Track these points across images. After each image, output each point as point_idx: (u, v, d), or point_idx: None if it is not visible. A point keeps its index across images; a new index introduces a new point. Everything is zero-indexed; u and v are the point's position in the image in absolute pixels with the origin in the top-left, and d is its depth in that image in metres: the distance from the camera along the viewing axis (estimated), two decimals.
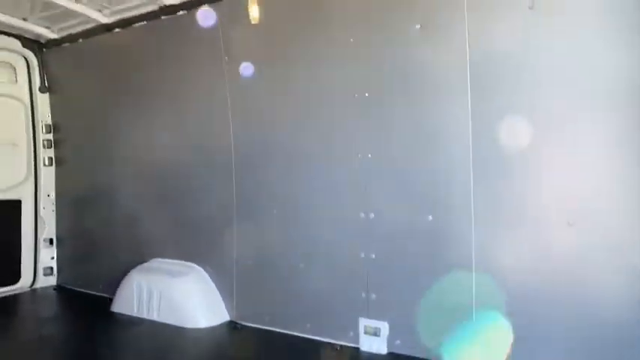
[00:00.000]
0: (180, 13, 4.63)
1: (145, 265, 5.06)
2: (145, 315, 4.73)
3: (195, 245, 4.94)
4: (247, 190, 4.47)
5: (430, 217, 3.45)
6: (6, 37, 5.64)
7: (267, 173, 4.34)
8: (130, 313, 4.84)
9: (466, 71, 3.22)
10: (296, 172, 4.15)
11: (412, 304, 3.42)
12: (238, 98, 4.45)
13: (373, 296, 3.71)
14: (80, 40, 5.55)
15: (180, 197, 5.02)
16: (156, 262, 5.08)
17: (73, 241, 6.20)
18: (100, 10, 5.06)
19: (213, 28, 4.39)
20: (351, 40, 3.73)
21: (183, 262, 4.92)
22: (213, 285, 4.68)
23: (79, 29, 5.46)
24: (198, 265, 4.82)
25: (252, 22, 3.77)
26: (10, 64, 5.88)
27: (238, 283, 4.53)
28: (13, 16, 5.28)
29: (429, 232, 3.47)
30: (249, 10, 3.82)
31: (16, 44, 5.77)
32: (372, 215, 3.72)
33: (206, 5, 4.38)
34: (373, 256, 3.72)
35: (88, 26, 5.33)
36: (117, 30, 5.19)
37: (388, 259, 3.66)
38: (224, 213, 4.60)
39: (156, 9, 4.72)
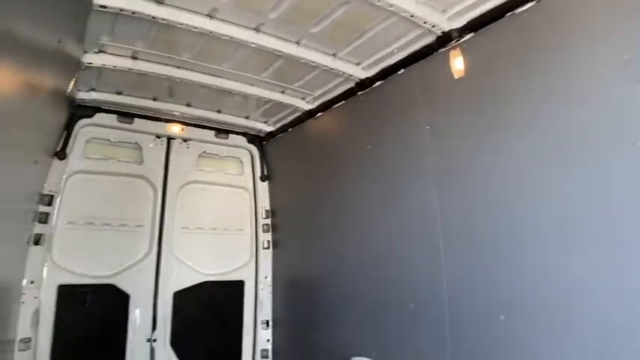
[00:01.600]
0: (377, 84, 4.37)
1: None
2: None
3: (401, 349, 4.15)
4: (463, 290, 3.53)
5: None
6: (235, 136, 6.46)
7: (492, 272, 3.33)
8: None
9: None
10: (539, 272, 2.97)
11: None
12: (444, 174, 3.71)
13: None
14: (290, 130, 5.90)
15: (389, 292, 4.38)
16: None
17: (287, 324, 6.21)
18: (303, 99, 5.26)
19: (411, 93, 3.94)
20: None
21: None
22: None
23: (288, 119, 5.82)
24: None
25: (456, 77, 3.17)
26: (239, 159, 6.65)
27: None
28: (239, 116, 6.01)
29: None
30: (452, 63, 3.27)
31: (243, 140, 6.53)
32: None
33: (402, 70, 4.01)
34: None
35: (295, 115, 5.61)
36: (319, 114, 5.29)
37: None
38: (430, 313, 3.74)
39: (352, 85, 4.59)
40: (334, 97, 4.90)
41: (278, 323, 6.31)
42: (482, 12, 3.19)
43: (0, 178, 3.18)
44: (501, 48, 3.14)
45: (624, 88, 2.46)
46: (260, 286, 6.47)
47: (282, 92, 5.14)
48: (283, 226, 6.46)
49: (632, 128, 2.45)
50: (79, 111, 5.41)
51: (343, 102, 4.86)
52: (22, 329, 4.76)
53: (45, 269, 5.06)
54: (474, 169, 3.41)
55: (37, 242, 4.98)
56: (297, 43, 4.00)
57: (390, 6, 3.24)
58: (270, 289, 6.46)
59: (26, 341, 4.77)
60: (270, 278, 6.50)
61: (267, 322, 6.37)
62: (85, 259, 5.32)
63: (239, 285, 6.39)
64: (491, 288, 3.23)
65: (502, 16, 3.06)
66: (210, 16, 3.62)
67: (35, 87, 3.43)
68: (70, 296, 5.19)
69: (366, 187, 4.70)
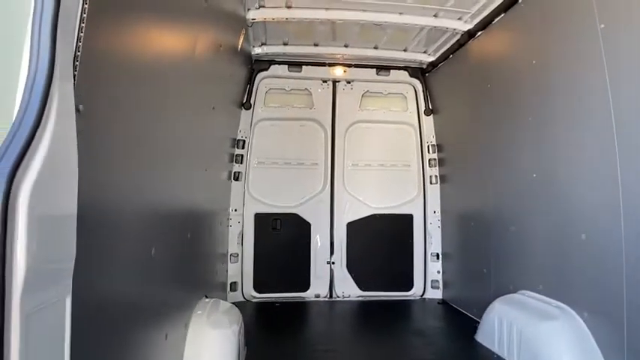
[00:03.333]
0: None
1: (510, 297, 4.31)
2: (504, 354, 3.99)
3: (570, 282, 3.75)
4: None
5: None
6: (396, 71, 6.43)
7: None
8: (490, 347, 4.22)
9: None
10: None
11: None
12: (622, 80, 3.05)
13: None
14: (451, 56, 5.56)
15: (557, 221, 3.96)
16: (522, 296, 4.22)
17: (456, 258, 6.19)
18: (460, 19, 4.87)
19: None
20: None
21: (553, 300, 3.84)
22: (590, 336, 3.36)
23: (448, 45, 5.48)
24: (572, 307, 3.61)
25: None
26: (402, 94, 6.62)
27: (631, 340, 3.03)
28: (397, 50, 5.94)
29: None
30: None
31: (405, 75, 6.46)
32: None
33: None
34: None
35: (455, 39, 5.25)
36: (479, 34, 4.83)
37: None
38: (604, 242, 3.25)
39: None
40: (493, 11, 4.38)
41: (448, 256, 6.33)
42: None
43: (204, 124, 4.03)
44: None
45: None
46: (429, 220, 6.54)
47: (435, 16, 4.85)
48: (450, 160, 6.28)
49: None
50: (257, 65, 6.22)
51: (503, 15, 4.31)
52: (231, 246, 6.04)
53: (244, 200, 6.21)
54: None
55: (236, 179, 6.14)
56: None
57: None
58: (439, 224, 6.48)
59: (235, 255, 6.06)
60: (438, 212, 6.50)
61: (437, 254, 6.46)
62: (273, 193, 6.31)
63: (408, 218, 6.59)
64: None
65: None
66: None
67: (218, 48, 4.13)
68: (264, 222, 6.28)
69: (533, 108, 4.17)
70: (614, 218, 3.14)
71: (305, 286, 6.29)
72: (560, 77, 3.70)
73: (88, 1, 1.42)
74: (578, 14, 3.34)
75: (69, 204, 1.33)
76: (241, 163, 6.20)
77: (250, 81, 6.20)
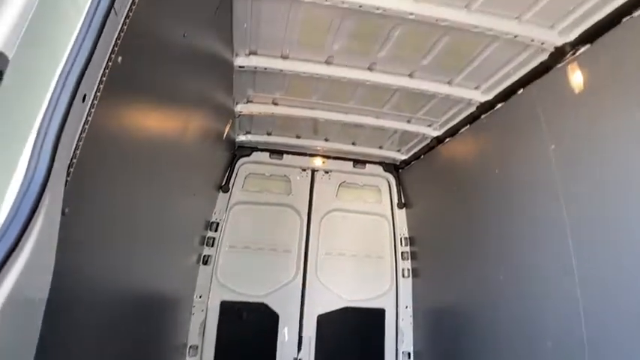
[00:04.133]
0: (498, 106, 4.19)
1: None
2: None
3: None
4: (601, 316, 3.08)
5: None
6: (372, 165, 6.77)
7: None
8: None
9: None
10: None
11: None
12: (574, 195, 3.34)
13: None
14: (422, 156, 5.94)
15: (524, 326, 4.01)
16: None
17: (428, 358, 6.06)
18: (430, 126, 5.30)
19: (532, 112, 3.69)
20: None
21: None
22: None
23: (419, 147, 5.89)
24: None
25: (577, 92, 2.95)
26: (377, 187, 6.91)
27: None
28: (373, 147, 6.32)
29: None
30: (570, 78, 3.05)
31: (379, 169, 6.80)
32: None
33: (520, 90, 3.79)
34: None
35: (425, 143, 5.66)
36: (447, 140, 5.24)
37: None
38: (568, 349, 3.33)
39: (474, 110, 4.49)
40: (459, 123, 4.82)
41: (419, 356, 6.19)
42: (596, 21, 2.87)
43: (179, 208, 4.11)
44: (623, 56, 2.76)
45: None
46: (401, 316, 6.48)
47: (408, 121, 5.27)
48: (422, 254, 6.41)
49: None
50: (239, 151, 6.47)
51: (468, 126, 4.74)
52: (192, 337, 5.78)
53: (211, 286, 6.08)
54: (608, 182, 3.00)
55: (205, 262, 6.06)
56: (410, 76, 4.15)
57: (489, 30, 3.17)
58: (411, 320, 6.42)
59: (194, 348, 5.77)
60: (410, 308, 6.47)
61: (409, 354, 6.30)
62: (242, 279, 6.20)
63: (380, 313, 6.51)
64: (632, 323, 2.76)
65: (619, 22, 2.71)
66: (327, 63, 4.07)
67: (204, 136, 4.37)
68: (230, 311, 6.08)
69: (498, 213, 4.44)
70: (576, 327, 3.25)
71: None
72: (519, 188, 4.00)
73: (93, 109, 1.58)
74: (532, 134, 3.72)
75: (41, 289, 1.38)
76: (212, 246, 6.17)
77: (231, 165, 6.41)
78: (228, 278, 6.14)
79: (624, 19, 2.67)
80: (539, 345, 3.67)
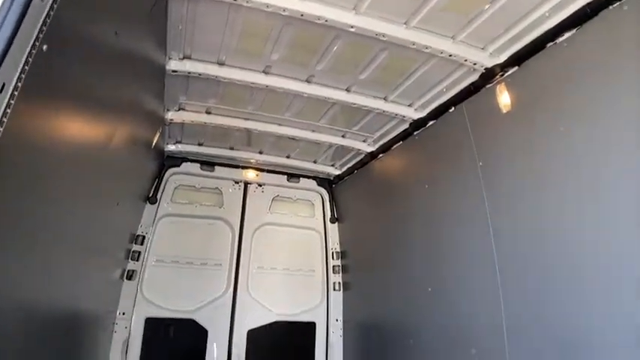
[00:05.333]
0: (430, 123, 4.39)
1: None
2: None
3: None
4: (522, 334, 3.28)
5: None
6: (306, 179, 6.78)
7: (547, 302, 3.07)
8: None
9: None
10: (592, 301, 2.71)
11: None
12: (498, 211, 3.56)
13: None
14: (356, 172, 6.06)
15: (450, 336, 4.17)
16: None
17: None
18: (364, 141, 5.42)
19: (462, 130, 3.90)
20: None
21: None
22: None
23: (353, 162, 6.00)
24: None
25: (504, 112, 3.15)
26: (310, 201, 6.92)
27: None
28: (307, 161, 6.33)
29: None
30: (498, 98, 3.26)
31: (313, 184, 6.82)
32: None
33: (452, 108, 4.01)
34: None
35: (359, 158, 5.78)
36: (381, 156, 5.39)
37: None
38: (490, 357, 3.50)
39: (407, 126, 4.66)
40: (392, 139, 4.98)
41: None
42: (523, 45, 3.13)
43: (102, 218, 3.78)
44: (546, 79, 3.03)
45: None
46: (331, 329, 6.47)
47: (343, 136, 5.36)
48: (353, 267, 6.48)
49: None
50: (168, 161, 6.16)
51: (401, 142, 4.91)
52: (114, 356, 5.33)
53: (135, 302, 5.67)
54: (527, 203, 3.23)
55: (129, 277, 5.64)
56: (348, 90, 4.23)
57: (426, 48, 3.33)
58: (341, 333, 6.43)
59: None
60: (341, 321, 6.49)
61: None
62: (169, 295, 5.85)
63: (310, 327, 6.46)
64: (549, 333, 2.96)
65: (543, 47, 2.98)
66: (265, 72, 4.02)
67: (131, 142, 4.08)
68: (155, 329, 5.70)
69: (427, 228, 4.61)
70: (499, 335, 3.44)
71: None
72: (448, 203, 4.19)
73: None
74: (461, 151, 3.93)
75: None
76: (137, 260, 5.77)
77: (160, 175, 6.09)
78: (154, 294, 5.76)
79: (548, 45, 2.93)
80: (464, 352, 3.83)
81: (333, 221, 6.81)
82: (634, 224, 2.46)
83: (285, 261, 6.61)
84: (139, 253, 5.77)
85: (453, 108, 4.01)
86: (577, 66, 2.81)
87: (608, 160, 2.59)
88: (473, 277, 3.84)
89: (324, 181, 6.80)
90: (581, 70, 2.78)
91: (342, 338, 6.42)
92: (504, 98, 3.37)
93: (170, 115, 4.89)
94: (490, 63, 3.41)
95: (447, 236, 4.24)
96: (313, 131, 5.22)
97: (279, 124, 5.10)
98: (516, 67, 3.28)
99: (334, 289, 6.62)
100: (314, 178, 6.80)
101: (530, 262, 3.21)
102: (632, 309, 2.45)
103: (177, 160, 6.22)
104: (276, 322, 6.28)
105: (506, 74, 3.34)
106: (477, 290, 3.78)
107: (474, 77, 3.61)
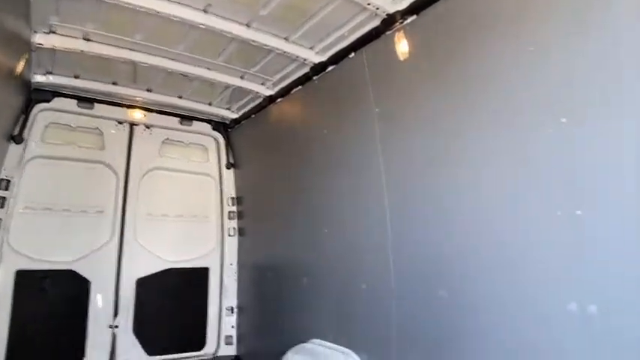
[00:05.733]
0: (330, 68, 4.39)
1: (302, 346, 4.53)
2: None
3: (354, 328, 4.22)
4: (407, 264, 3.61)
5: None
6: (199, 123, 6.44)
7: (431, 243, 3.40)
8: None
9: None
10: (474, 239, 3.00)
11: None
12: (391, 157, 3.76)
13: None
14: (253, 116, 5.90)
15: (343, 273, 4.45)
16: (313, 345, 4.50)
17: (251, 311, 6.24)
18: (263, 84, 5.27)
19: (361, 76, 3.97)
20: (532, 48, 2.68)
21: (340, 347, 4.23)
22: None
23: (250, 106, 5.82)
24: (355, 351, 4.05)
25: (402, 60, 3.24)
26: (204, 146, 6.63)
27: None
28: (201, 103, 5.99)
29: None
30: (397, 46, 3.33)
31: (207, 127, 6.52)
32: None
33: (352, 53, 4.04)
34: None
35: (257, 102, 5.62)
36: (279, 100, 5.30)
37: None
38: (379, 292, 3.82)
39: (307, 70, 4.61)
40: (292, 82, 4.91)
41: (243, 310, 6.34)
42: None
43: None
44: (444, 29, 3.17)
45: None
46: (225, 273, 6.48)
47: (242, 77, 5.13)
48: (250, 213, 6.47)
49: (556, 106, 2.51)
50: (36, 95, 5.34)
51: (300, 87, 4.87)
52: None
53: (1, 254, 5.02)
54: (420, 151, 3.46)
55: None
56: (248, 25, 4.00)
57: None
58: (235, 276, 6.49)
59: None
60: (235, 265, 6.52)
61: (232, 308, 6.40)
62: (43, 245, 5.27)
63: (204, 272, 6.41)
64: (433, 267, 3.30)
65: None
66: None
67: None
68: (28, 282, 5.14)
69: (324, 172, 4.73)
70: (386, 271, 3.75)
71: (78, 356, 5.33)
72: (346, 150, 4.31)
73: None
74: (360, 99, 4.03)
75: None
76: (2, 207, 5.06)
77: (26, 111, 5.27)
78: (24, 244, 5.13)
79: None
80: (356, 287, 4.12)
81: (229, 167, 6.64)
82: (511, 166, 2.78)
83: (178, 208, 6.36)
84: (4, 199, 5.06)
85: (353, 53, 4.04)
86: (476, 17, 2.98)
87: (506, 109, 2.83)
88: (366, 220, 4.07)
89: (220, 125, 6.54)
90: (479, 22, 2.96)
91: (236, 282, 6.49)
92: (403, 46, 3.48)
93: (38, 39, 4.18)
94: (392, 8, 3.46)
95: (342, 178, 4.40)
96: (209, 69, 4.90)
97: (171, 59, 4.67)
98: (415, 16, 3.37)
99: (229, 235, 6.58)
100: (208, 121, 6.49)
101: (419, 210, 3.47)
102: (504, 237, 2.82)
103: (47, 93, 5.41)
104: (167, 270, 6.08)
105: (406, 22, 3.43)
106: (368, 232, 4.03)
107: (376, 22, 3.65)
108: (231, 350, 6.29)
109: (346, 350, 4.10)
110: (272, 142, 5.77)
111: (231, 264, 6.52)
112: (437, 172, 3.30)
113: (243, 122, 6.22)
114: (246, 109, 5.97)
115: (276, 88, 5.23)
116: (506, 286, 2.74)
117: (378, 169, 3.86)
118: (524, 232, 2.65)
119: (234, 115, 6.27)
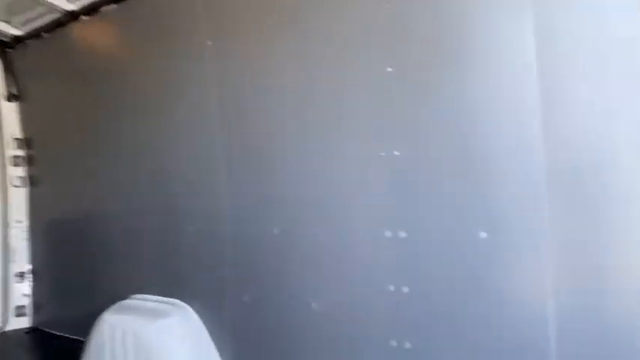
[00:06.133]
0: None
1: (121, 304, 4.04)
2: None
3: (184, 276, 3.94)
4: (242, 204, 3.46)
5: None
6: None
7: (265, 183, 3.32)
8: None
9: None
10: (302, 179, 3.10)
11: None
12: (227, 92, 3.48)
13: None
14: (45, 35, 4.71)
15: (164, 217, 4.04)
16: (135, 300, 4.06)
17: (51, 274, 5.28)
18: None
19: (192, 7, 3.51)
20: None
21: (169, 299, 3.91)
22: (203, 328, 3.64)
23: (42, 22, 4.62)
24: (187, 302, 3.80)
25: None
26: None
27: (232, 325, 3.50)
28: None
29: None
30: None
31: None
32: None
33: None
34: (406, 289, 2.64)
35: (53, 17, 4.48)
36: (85, 18, 4.32)
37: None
38: (212, 233, 3.62)
39: None
40: None
41: (40, 274, 5.32)
42: None
43: None
44: None
45: None
46: (12, 232, 5.29)
47: None
48: (45, 158, 5.30)
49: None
50: None
51: (116, 5, 4.03)
52: None
53: None
54: (252, 88, 3.28)
55: None
56: None
57: None
58: (25, 235, 5.35)
59: None
60: (25, 223, 5.36)
61: (22, 274, 5.30)
62: None
63: None
64: (265, 205, 3.27)
65: None
66: None
67: None
68: None
69: (138, 110, 4.15)
70: (220, 214, 3.55)
71: None
72: (169, 85, 3.82)
73: None
74: (190, 29, 3.57)
75: None
76: None
77: None
78: None
79: None
80: (183, 231, 3.84)
81: (10, 99, 5.25)
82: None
83: None
84: None
85: None
86: None
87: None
88: (197, 164, 3.74)
89: None
90: None
91: (27, 242, 5.37)
92: None
93: None
94: None
95: (164, 119, 3.93)
96: None
97: None
98: None
99: (14, 186, 5.34)
100: None
101: (255, 148, 3.35)
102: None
103: None
104: None
105: None
106: (197, 170, 3.74)
107: None
108: (24, 322, 5.27)
109: (177, 302, 3.83)
110: (73, 71, 4.70)
111: (20, 221, 5.33)
112: (272, 108, 3.21)
113: (30, 42, 4.91)
114: (36, 26, 4.70)
115: (82, 3, 4.23)
116: (329, 222, 2.96)
117: (212, 109, 3.57)
118: (345, 174, 2.88)
119: (18, 32, 4.89)
